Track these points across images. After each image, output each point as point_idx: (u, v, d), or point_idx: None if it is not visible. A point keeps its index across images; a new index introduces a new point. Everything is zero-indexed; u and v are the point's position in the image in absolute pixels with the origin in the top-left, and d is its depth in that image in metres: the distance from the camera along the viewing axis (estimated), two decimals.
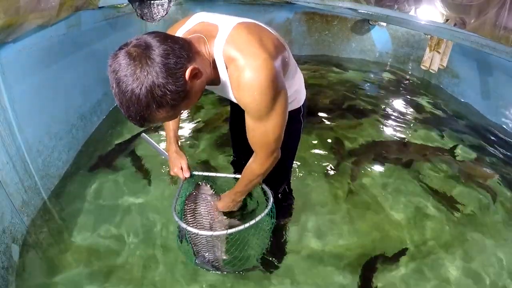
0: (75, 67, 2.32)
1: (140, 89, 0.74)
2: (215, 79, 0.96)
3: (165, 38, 0.79)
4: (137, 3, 2.93)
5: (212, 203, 1.41)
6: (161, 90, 0.76)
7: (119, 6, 3.01)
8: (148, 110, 0.78)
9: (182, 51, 0.80)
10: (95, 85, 2.67)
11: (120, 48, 0.77)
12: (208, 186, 1.46)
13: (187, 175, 1.36)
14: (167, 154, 1.41)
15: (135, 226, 1.75)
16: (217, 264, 1.36)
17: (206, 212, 1.37)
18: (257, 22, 1.02)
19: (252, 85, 0.88)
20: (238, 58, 0.88)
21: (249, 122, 1.00)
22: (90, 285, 1.46)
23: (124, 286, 1.46)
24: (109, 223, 1.77)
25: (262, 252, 1.54)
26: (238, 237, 1.39)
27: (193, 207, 1.37)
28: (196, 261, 1.35)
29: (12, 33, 1.53)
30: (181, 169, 1.36)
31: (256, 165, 1.13)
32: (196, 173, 1.44)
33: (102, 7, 2.56)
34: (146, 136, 1.61)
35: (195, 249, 1.36)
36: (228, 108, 1.65)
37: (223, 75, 0.94)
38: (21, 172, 1.64)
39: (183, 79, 0.80)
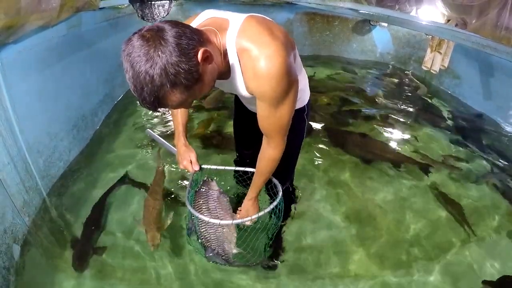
0: (76, 68, 2.32)
1: (154, 68, 0.75)
2: (225, 73, 0.98)
3: (177, 23, 0.82)
4: (138, 4, 2.94)
5: (220, 198, 1.41)
6: (174, 68, 0.77)
7: (119, 7, 3.02)
8: (162, 90, 0.78)
9: (193, 34, 0.82)
10: (96, 85, 2.67)
11: (134, 33, 0.78)
12: (214, 181, 1.46)
13: (196, 168, 1.36)
14: (174, 148, 1.41)
15: (133, 226, 1.75)
16: (226, 257, 1.37)
17: (214, 207, 1.38)
18: (265, 16, 1.04)
19: (269, 73, 0.90)
20: (251, 48, 0.90)
21: (264, 110, 1.02)
22: (91, 285, 1.46)
23: (124, 285, 1.47)
24: (109, 223, 1.78)
25: (269, 246, 1.54)
26: (247, 229, 1.41)
27: (200, 202, 1.38)
28: (206, 254, 1.37)
29: (13, 34, 1.54)
30: (190, 162, 1.37)
31: (272, 150, 1.15)
32: (205, 166, 1.43)
33: (103, 8, 2.57)
34: (151, 131, 1.58)
35: (205, 244, 1.37)
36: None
37: (235, 66, 0.96)
38: (22, 173, 1.65)
39: (196, 59, 0.81)
